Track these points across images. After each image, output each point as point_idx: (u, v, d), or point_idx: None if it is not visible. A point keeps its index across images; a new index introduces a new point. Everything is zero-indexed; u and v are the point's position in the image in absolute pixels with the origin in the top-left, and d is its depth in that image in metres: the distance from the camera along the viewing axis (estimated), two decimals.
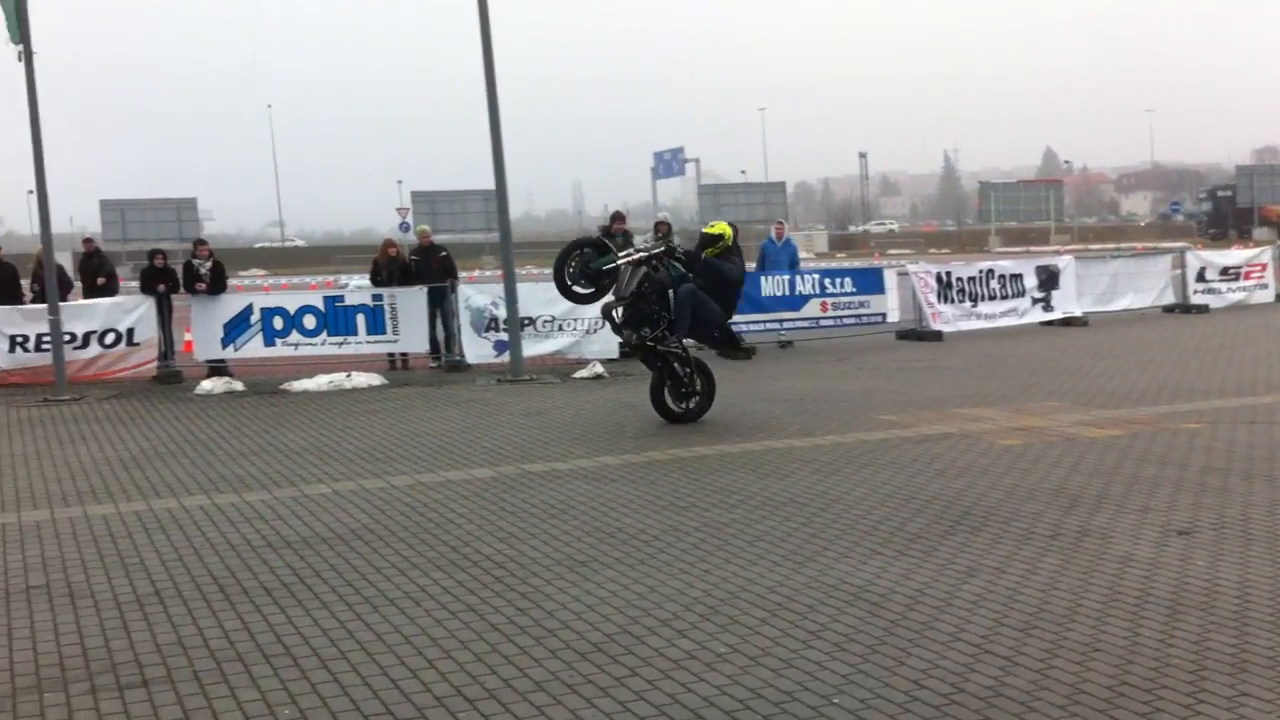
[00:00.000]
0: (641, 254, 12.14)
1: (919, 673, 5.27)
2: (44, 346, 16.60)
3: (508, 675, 5.39)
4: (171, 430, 12.96)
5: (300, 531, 8.18)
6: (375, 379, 16.65)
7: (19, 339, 16.91)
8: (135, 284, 20.33)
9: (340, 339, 17.81)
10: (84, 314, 17.29)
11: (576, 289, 12.31)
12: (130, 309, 17.47)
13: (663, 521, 8.17)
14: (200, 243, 18.70)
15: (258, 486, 9.76)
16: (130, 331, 17.25)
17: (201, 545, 7.90)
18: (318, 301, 18.16)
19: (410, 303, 18.00)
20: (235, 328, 17.55)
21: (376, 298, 18.09)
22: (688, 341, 12.52)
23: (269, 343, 17.64)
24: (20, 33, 15.69)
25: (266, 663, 5.65)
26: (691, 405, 12.38)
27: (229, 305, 17.76)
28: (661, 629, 5.96)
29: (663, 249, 12.20)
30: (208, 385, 16.27)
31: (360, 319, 17.90)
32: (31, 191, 17.15)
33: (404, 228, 55.14)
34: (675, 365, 12.29)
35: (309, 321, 17.78)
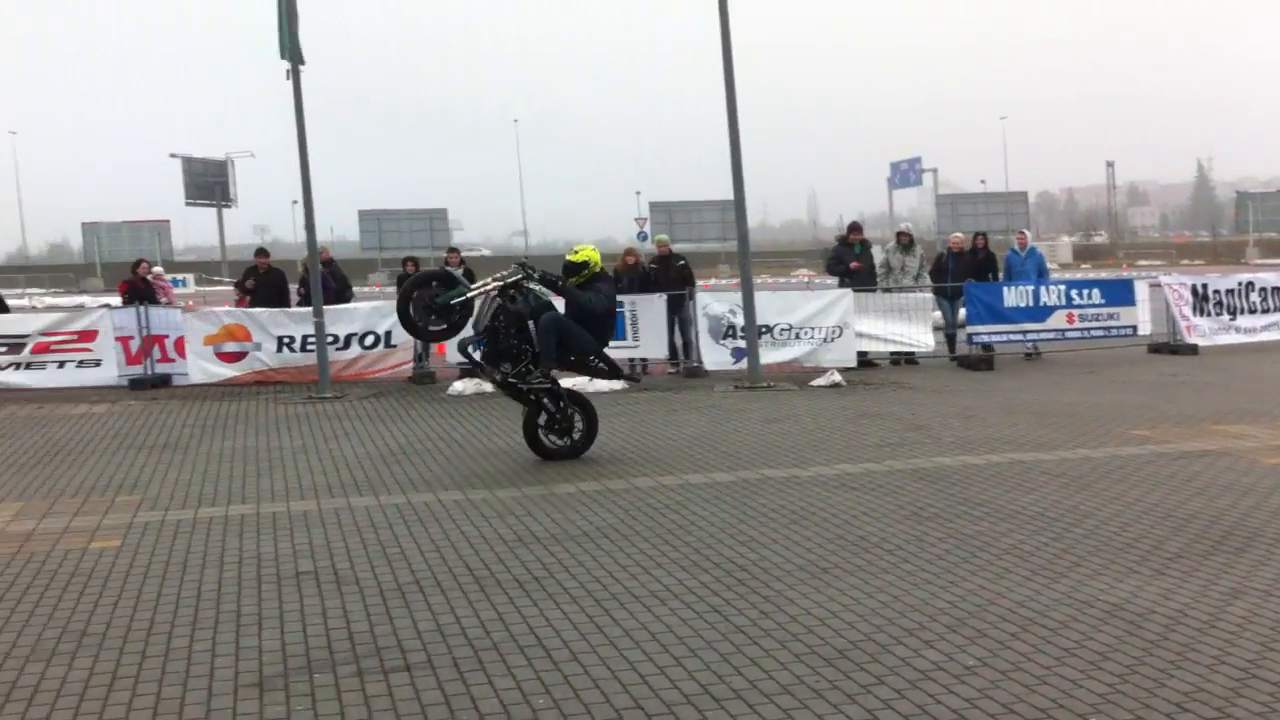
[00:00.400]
0: (495, 284, 11.18)
1: (1181, 695, 5.09)
2: (309, 347, 17.52)
3: (753, 677, 5.45)
4: (426, 428, 13.52)
5: (549, 528, 8.44)
6: (617, 383, 16.90)
7: (286, 340, 17.92)
8: (392, 289, 21.31)
9: None
10: (345, 317, 18.19)
11: (424, 326, 11.44)
12: (388, 313, 18.21)
13: (905, 531, 8.09)
14: (452, 250, 19.47)
15: (508, 484, 10.10)
16: (388, 334, 18.05)
17: (457, 538, 8.23)
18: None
19: (650, 310, 18.28)
20: None
21: (618, 305, 18.43)
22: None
23: None
24: (290, 51, 16.63)
25: (520, 653, 5.86)
26: (567, 442, 11.33)
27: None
28: (907, 639, 5.91)
29: (520, 276, 11.18)
30: (459, 386, 16.89)
31: None
32: (296, 201, 18.15)
33: (642, 237, 55.99)
34: (545, 401, 11.28)
35: None
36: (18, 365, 17.90)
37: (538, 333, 11.04)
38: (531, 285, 11.14)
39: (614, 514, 8.84)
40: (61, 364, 17.92)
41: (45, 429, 14.09)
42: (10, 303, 21.22)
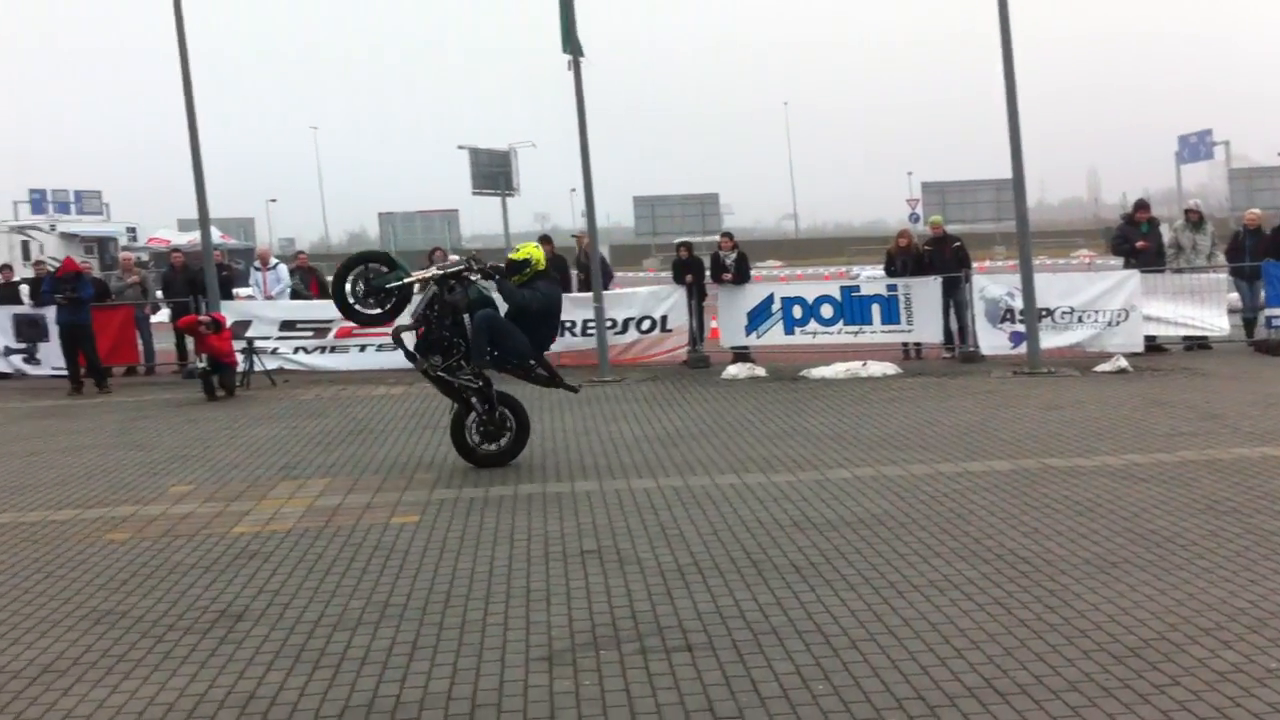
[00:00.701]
0: (435, 273, 10.88)
1: None
2: (589, 331, 18.11)
3: (1039, 672, 5.35)
4: (701, 412, 13.74)
5: (825, 514, 8.46)
6: (890, 368, 16.81)
7: (567, 324, 18.47)
8: (666, 274, 21.70)
9: (856, 328, 18.16)
10: (623, 302, 18.73)
11: (360, 308, 11.06)
12: (664, 298, 18.71)
13: (1200, 526, 7.74)
14: (725, 235, 19.66)
15: (782, 468, 10.17)
16: (664, 319, 18.48)
17: (734, 521, 8.36)
18: (834, 291, 18.61)
19: (924, 293, 18.02)
20: (758, 316, 18.34)
21: (891, 288, 18.27)
22: None
23: (788, 331, 18.28)
24: (571, 45, 17.16)
25: (799, 638, 5.93)
26: (494, 448, 10.87)
27: (752, 295, 18.58)
28: (1203, 638, 5.68)
29: (461, 268, 10.80)
30: (733, 370, 17.09)
31: (875, 309, 18.16)
32: (574, 189, 18.71)
33: (914, 218, 54.94)
34: (474, 400, 10.83)
35: (826, 311, 18.26)
36: (324, 349, 19.22)
37: (470, 329, 10.68)
38: (473, 278, 10.82)
39: (890, 501, 8.79)
40: (363, 348, 19.17)
41: (348, 409, 15.03)
42: None
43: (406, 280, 10.95)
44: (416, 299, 11.23)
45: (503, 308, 10.90)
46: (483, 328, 10.57)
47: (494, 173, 57.16)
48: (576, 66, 17.40)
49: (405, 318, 11.41)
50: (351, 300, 11.05)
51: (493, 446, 10.88)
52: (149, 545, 8.40)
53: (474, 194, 59.09)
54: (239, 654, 6.07)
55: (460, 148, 57.96)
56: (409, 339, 11.12)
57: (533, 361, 10.95)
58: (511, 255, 11.16)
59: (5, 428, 14.96)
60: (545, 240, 20.96)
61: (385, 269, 11.10)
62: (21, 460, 12.30)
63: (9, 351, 20.44)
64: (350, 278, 11.04)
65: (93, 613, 6.89)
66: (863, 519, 8.27)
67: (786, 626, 6.10)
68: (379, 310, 11.09)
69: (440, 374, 10.77)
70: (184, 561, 7.91)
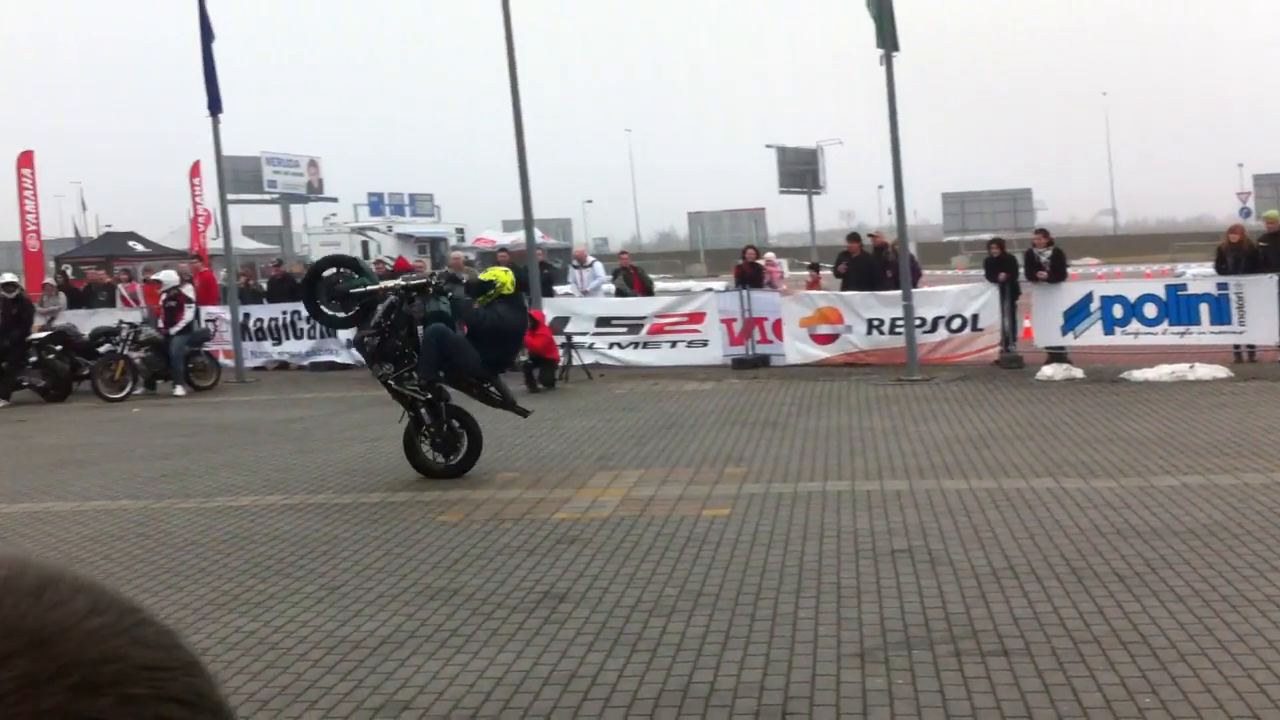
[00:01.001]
0: (398, 284, 11.01)
1: None
2: (897, 329, 17.94)
3: None
4: (1015, 413, 13.37)
5: (1149, 522, 8.12)
6: (1220, 371, 15.90)
7: (875, 322, 18.45)
8: (976, 271, 21.23)
9: (1182, 328, 17.23)
10: (933, 300, 18.46)
11: (325, 310, 11.33)
12: (975, 296, 18.31)
13: None
14: (1040, 232, 19.08)
15: (1102, 474, 9.80)
16: (975, 317, 18.07)
17: (1050, 526, 8.13)
18: (1158, 290, 17.73)
19: (1259, 291, 16.90)
20: (1075, 315, 17.66)
21: (1221, 286, 17.24)
22: None
23: (1108, 331, 17.53)
24: (886, 39, 17.03)
25: (1123, 649, 5.73)
26: (448, 461, 10.83)
27: (1069, 293, 17.92)
28: None
29: (423, 282, 10.97)
30: (1048, 371, 16.55)
31: (1204, 308, 17.17)
32: (881, 186, 18.56)
33: (1244, 213, 51.53)
34: (423, 411, 10.73)
35: (1149, 310, 17.40)
36: (637, 344, 19.87)
37: (421, 341, 10.72)
38: (435, 293, 10.88)
39: (1222, 511, 8.33)
40: (673, 343, 19.73)
41: (660, 403, 15.43)
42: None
43: (370, 288, 11.25)
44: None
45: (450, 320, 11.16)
46: (432, 341, 10.67)
47: (800, 171, 57.29)
48: (888, 62, 17.26)
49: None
50: (316, 300, 11.53)
51: (445, 459, 11.00)
52: (478, 528, 8.90)
53: (781, 192, 59.41)
54: (561, 634, 6.37)
55: (768, 147, 58.35)
56: (370, 344, 11.29)
57: (487, 383, 11.08)
58: (481, 275, 11.69)
59: (347, 415, 16.12)
60: (853, 238, 20.95)
61: (354, 274, 11.60)
62: (365, 445, 13.25)
63: (350, 343, 22.00)
64: (317, 281, 11.57)
65: (426, 589, 7.36)
66: (1192, 529, 7.89)
67: (1109, 636, 5.91)
68: (344, 314, 11.55)
69: (390, 382, 10.98)
70: (510, 544, 8.34)
